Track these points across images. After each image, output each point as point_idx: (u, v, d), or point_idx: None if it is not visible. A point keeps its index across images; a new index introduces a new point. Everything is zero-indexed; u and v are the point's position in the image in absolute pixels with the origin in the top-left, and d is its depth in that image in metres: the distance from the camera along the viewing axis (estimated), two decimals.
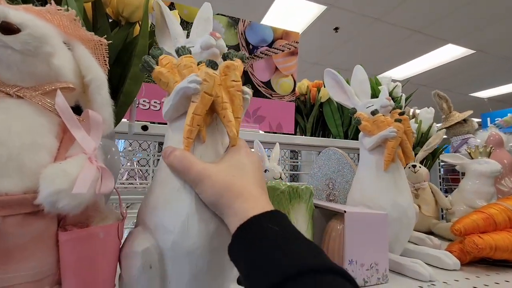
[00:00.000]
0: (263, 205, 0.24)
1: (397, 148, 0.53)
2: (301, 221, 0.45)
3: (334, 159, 0.69)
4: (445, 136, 1.15)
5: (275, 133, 0.85)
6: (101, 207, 0.25)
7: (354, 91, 0.56)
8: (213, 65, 0.27)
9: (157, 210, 0.26)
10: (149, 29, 0.39)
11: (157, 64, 0.29)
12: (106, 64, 0.28)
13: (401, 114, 0.52)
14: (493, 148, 0.70)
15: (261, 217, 0.22)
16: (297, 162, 1.15)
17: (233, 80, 0.27)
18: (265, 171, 0.52)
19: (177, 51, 0.28)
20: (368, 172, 0.53)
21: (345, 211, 0.40)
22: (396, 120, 0.51)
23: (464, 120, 1.12)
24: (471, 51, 3.08)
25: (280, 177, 0.50)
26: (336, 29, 2.71)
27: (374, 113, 0.53)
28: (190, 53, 0.28)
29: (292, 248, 0.20)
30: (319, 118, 1.18)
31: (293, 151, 1.14)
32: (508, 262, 0.49)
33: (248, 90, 0.31)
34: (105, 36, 0.28)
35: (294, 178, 1.16)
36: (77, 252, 0.21)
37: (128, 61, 0.39)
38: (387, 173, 0.51)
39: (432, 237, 0.60)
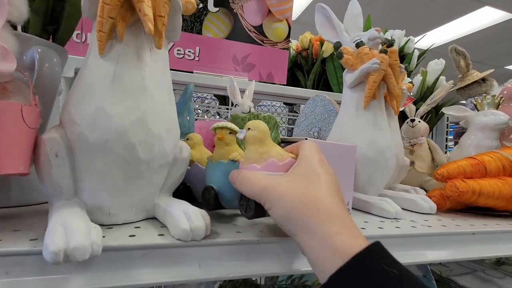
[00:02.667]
0: (351, 229, 0.20)
1: (383, 88, 0.48)
2: None
3: (321, 106, 0.65)
4: (463, 102, 1.04)
5: (266, 83, 0.80)
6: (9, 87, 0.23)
7: (346, 27, 0.50)
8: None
9: (68, 105, 0.25)
10: None
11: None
12: None
13: (389, 46, 0.46)
14: (503, 99, 0.63)
15: (371, 253, 0.18)
16: (296, 117, 1.10)
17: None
18: (235, 105, 0.49)
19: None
20: (348, 111, 0.48)
21: (306, 139, 0.37)
22: (381, 52, 0.45)
23: (483, 80, 1.01)
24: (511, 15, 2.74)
25: (250, 112, 0.48)
26: None
27: (358, 45, 0.47)
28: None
29: None
30: (321, 75, 1.11)
31: (290, 105, 1.10)
32: (493, 210, 0.44)
33: None
34: None
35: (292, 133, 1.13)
36: None
37: None
38: (367, 111, 0.46)
39: (418, 188, 0.56)
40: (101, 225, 0.25)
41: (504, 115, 0.59)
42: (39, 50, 0.30)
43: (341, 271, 0.18)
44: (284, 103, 1.11)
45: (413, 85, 0.79)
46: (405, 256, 0.31)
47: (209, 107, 0.91)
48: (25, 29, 0.35)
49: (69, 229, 0.19)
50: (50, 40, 0.38)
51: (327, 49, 1.04)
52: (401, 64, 0.47)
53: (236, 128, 0.31)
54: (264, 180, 0.24)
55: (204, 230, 0.24)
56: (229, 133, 0.31)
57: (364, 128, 0.46)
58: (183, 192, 0.37)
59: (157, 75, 0.27)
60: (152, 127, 0.25)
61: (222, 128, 0.31)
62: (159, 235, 0.26)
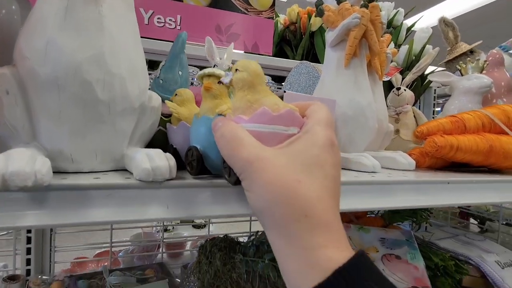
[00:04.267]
0: (339, 241, 0.17)
1: (365, 48, 0.47)
2: None
3: (305, 74, 0.63)
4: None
5: (251, 53, 0.78)
6: None
7: None
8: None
9: (20, 40, 0.24)
10: None
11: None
12: None
13: (371, 1, 0.45)
14: (487, 63, 0.62)
15: (354, 271, 0.15)
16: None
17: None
18: (214, 66, 0.48)
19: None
20: (329, 71, 0.47)
21: (284, 91, 0.36)
22: (362, 7, 0.44)
23: (471, 52, 1.01)
24: None
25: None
26: None
27: (340, 1, 0.45)
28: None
29: None
30: (309, 50, 1.09)
31: (279, 82, 1.08)
32: (471, 167, 0.45)
33: None
34: None
35: None
36: None
37: None
38: (347, 70, 0.45)
39: (401, 152, 0.56)
40: (66, 172, 0.24)
41: (488, 78, 0.59)
42: None
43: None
44: (272, 80, 1.10)
45: (398, 51, 0.78)
46: (380, 202, 0.31)
47: (193, 79, 0.89)
48: None
49: (10, 156, 0.18)
50: None
51: (315, 23, 1.02)
52: (382, 20, 0.46)
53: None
54: (250, 150, 0.19)
55: (166, 170, 0.23)
56: (218, 83, 0.26)
57: (344, 87, 0.45)
58: (172, 155, 0.33)
59: (117, 14, 0.25)
60: (112, 67, 0.24)
61: (209, 76, 0.26)
62: (126, 178, 0.25)
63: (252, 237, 0.38)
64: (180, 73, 0.43)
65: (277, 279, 0.32)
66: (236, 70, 0.23)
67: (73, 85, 0.23)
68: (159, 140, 0.37)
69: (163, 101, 0.40)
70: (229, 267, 0.35)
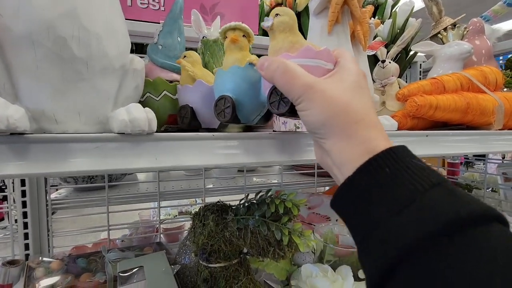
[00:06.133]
0: (386, 138, 0.21)
1: (347, 15, 0.48)
2: None
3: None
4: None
5: None
6: None
7: None
8: None
9: None
10: None
11: None
12: None
13: None
14: (467, 30, 0.64)
15: (399, 151, 0.19)
16: None
17: None
18: (203, 37, 0.48)
19: None
20: (313, 39, 0.48)
21: None
22: None
23: (454, 25, 1.02)
24: None
25: None
26: None
27: None
28: None
29: (452, 191, 0.17)
30: None
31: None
32: (450, 126, 0.47)
33: None
34: None
35: None
36: None
37: None
38: (331, 36, 0.46)
39: (387, 116, 0.58)
40: (51, 133, 0.25)
41: (468, 44, 0.60)
42: None
43: (370, 162, 0.19)
44: None
45: (382, 24, 0.79)
46: None
47: None
48: None
49: None
50: None
51: (301, 3, 1.02)
52: None
53: (250, 30, 0.27)
54: (309, 77, 0.22)
55: (144, 121, 0.24)
56: (243, 36, 0.27)
57: None
58: (186, 115, 0.32)
59: None
60: (87, 24, 0.24)
61: (234, 29, 0.27)
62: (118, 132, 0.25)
63: (243, 200, 0.40)
64: (179, 39, 0.42)
65: (267, 233, 0.33)
66: (277, 14, 0.25)
67: (48, 41, 0.23)
68: (165, 106, 0.36)
69: (165, 67, 0.40)
70: (221, 227, 0.37)
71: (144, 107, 0.38)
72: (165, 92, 0.37)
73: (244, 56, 0.27)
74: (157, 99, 0.37)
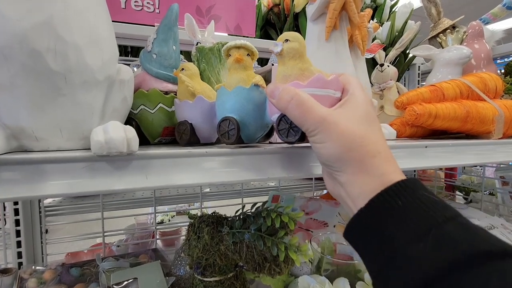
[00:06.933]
0: (400, 171, 0.22)
1: (345, 20, 0.47)
2: None
3: None
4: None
5: (235, 35, 0.77)
6: None
7: None
8: None
9: None
10: None
11: None
12: None
13: None
14: (466, 34, 0.63)
15: (411, 183, 0.20)
16: None
17: None
18: (197, 43, 0.47)
19: None
20: (310, 44, 0.47)
21: (272, 64, 0.36)
22: None
23: (453, 27, 1.01)
24: None
25: None
26: None
27: None
28: None
29: (462, 223, 0.17)
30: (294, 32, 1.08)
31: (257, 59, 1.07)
32: (450, 134, 0.46)
33: None
34: None
35: None
36: None
37: None
38: (328, 42, 0.45)
39: (384, 123, 0.57)
40: (32, 151, 0.24)
41: (467, 48, 0.59)
42: None
43: (384, 194, 0.20)
44: (259, 63, 1.09)
45: (380, 26, 0.78)
46: None
47: None
48: None
49: None
50: None
51: (299, 3, 1.00)
52: None
53: (255, 49, 0.26)
54: (322, 109, 0.22)
55: (122, 142, 0.22)
56: (247, 55, 0.26)
57: (325, 59, 0.45)
58: (186, 132, 0.31)
59: None
60: (64, 34, 0.23)
61: (239, 47, 0.26)
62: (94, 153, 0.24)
63: (239, 212, 0.39)
64: (174, 47, 0.40)
65: (263, 248, 0.32)
66: (286, 40, 0.24)
67: (21, 55, 0.21)
68: (160, 119, 0.35)
69: (159, 77, 0.38)
70: (216, 240, 0.36)
71: (138, 120, 0.37)
72: (160, 104, 0.36)
73: (249, 76, 0.26)
74: (152, 111, 0.36)
